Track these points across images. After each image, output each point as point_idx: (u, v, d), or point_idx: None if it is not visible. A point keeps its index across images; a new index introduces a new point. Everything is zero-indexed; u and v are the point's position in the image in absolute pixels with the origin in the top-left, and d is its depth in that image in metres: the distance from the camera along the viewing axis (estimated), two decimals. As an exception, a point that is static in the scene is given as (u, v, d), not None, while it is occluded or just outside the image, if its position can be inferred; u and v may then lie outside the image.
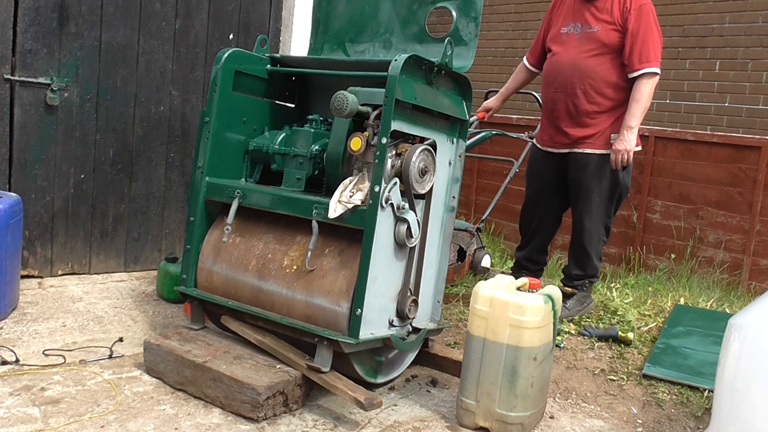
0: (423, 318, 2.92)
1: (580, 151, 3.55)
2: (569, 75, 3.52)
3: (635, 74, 3.40)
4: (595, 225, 3.59)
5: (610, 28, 3.44)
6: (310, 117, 3.10)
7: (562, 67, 3.56)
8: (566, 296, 3.61)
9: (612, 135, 3.49)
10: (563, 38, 3.60)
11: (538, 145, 3.80)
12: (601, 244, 3.67)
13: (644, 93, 3.40)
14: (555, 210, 3.83)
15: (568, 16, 3.61)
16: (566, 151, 3.61)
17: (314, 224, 2.68)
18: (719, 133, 5.61)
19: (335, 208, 2.59)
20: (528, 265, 3.91)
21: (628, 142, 3.42)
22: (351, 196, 2.61)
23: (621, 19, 3.42)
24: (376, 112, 2.70)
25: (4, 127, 3.62)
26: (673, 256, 5.43)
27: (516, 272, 3.92)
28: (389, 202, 2.57)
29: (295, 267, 2.77)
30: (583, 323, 3.61)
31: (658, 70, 3.41)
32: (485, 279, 3.87)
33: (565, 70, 3.54)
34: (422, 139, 2.83)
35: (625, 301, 3.94)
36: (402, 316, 2.75)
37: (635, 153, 3.51)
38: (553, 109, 3.62)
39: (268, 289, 2.82)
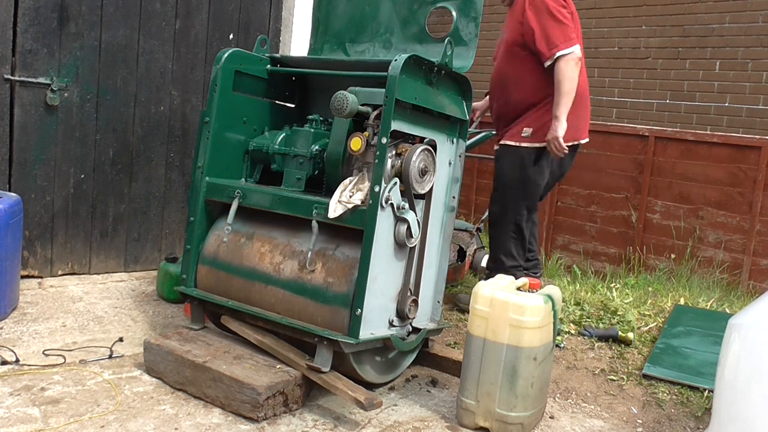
0: (423, 318, 2.92)
1: (501, 143, 3.64)
2: (495, 83, 3.66)
3: (549, 62, 3.38)
4: (497, 215, 3.64)
5: (514, 27, 3.47)
6: (310, 117, 3.10)
7: (492, 77, 3.71)
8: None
9: (525, 129, 3.50)
10: (497, 50, 3.73)
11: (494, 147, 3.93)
12: (498, 238, 3.66)
13: (561, 79, 3.34)
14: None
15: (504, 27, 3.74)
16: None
17: (314, 224, 2.68)
18: (719, 133, 5.61)
19: (335, 208, 2.59)
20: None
21: (554, 131, 3.39)
22: (351, 196, 2.61)
23: (521, 17, 3.43)
24: (376, 112, 2.70)
25: (4, 127, 3.62)
26: (673, 256, 5.43)
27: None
28: (389, 202, 2.57)
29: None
30: (583, 323, 3.61)
31: (569, 50, 3.34)
32: (485, 279, 3.87)
33: (493, 80, 3.69)
34: (422, 139, 2.83)
35: (625, 301, 3.94)
36: (402, 316, 2.75)
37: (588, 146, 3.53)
38: (493, 115, 3.78)
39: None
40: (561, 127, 3.37)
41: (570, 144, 3.49)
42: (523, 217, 3.59)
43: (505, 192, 3.59)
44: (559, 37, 3.34)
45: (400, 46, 3.24)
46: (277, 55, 3.29)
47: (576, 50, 3.36)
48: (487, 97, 4.13)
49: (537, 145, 3.47)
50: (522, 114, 3.54)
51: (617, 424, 2.79)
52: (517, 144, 3.52)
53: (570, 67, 3.33)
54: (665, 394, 2.98)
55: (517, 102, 3.54)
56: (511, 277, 2.70)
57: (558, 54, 3.33)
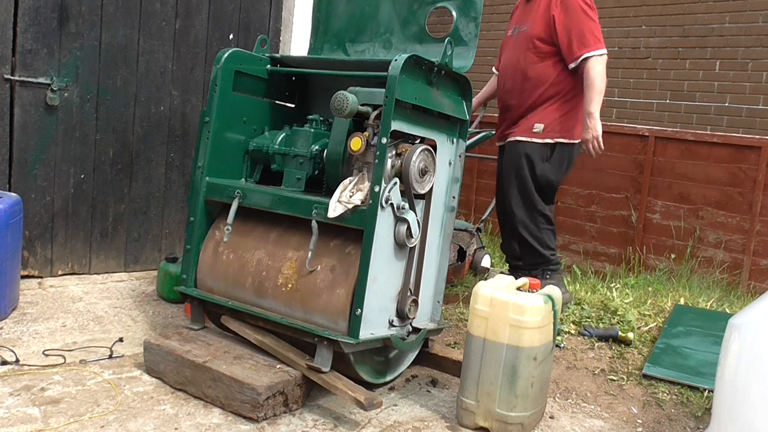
0: (423, 318, 2.92)
1: (510, 140, 3.64)
2: (508, 76, 3.67)
3: (577, 62, 3.42)
4: (523, 211, 3.65)
5: (538, 23, 3.51)
6: (310, 117, 3.10)
7: (504, 69, 3.73)
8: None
9: (536, 125, 3.52)
10: (508, 42, 3.76)
11: (496, 142, 3.94)
12: (533, 233, 3.66)
13: (593, 77, 3.40)
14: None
15: (514, 20, 3.76)
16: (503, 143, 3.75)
17: (314, 224, 2.68)
18: (719, 133, 5.61)
19: (335, 208, 2.59)
20: (510, 261, 3.91)
21: (593, 129, 3.44)
22: (351, 196, 2.61)
23: (548, 14, 3.46)
24: (376, 112, 2.70)
25: (4, 127, 3.62)
26: (673, 256, 5.43)
27: (513, 272, 3.92)
28: (389, 202, 2.57)
29: (295, 267, 2.76)
30: (583, 323, 3.61)
31: (601, 51, 3.42)
32: (485, 279, 3.87)
33: (505, 72, 3.70)
34: (422, 139, 2.83)
35: (625, 301, 3.94)
36: (402, 316, 2.75)
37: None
38: (502, 108, 3.79)
39: (268, 289, 2.82)
40: (599, 125, 3.43)
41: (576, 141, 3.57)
42: (538, 209, 3.63)
43: (517, 189, 3.59)
44: (590, 38, 3.40)
45: (400, 46, 3.24)
46: (277, 55, 3.29)
47: (605, 52, 3.42)
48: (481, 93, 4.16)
49: (548, 141, 3.51)
50: (534, 109, 3.56)
51: (617, 424, 2.79)
52: (528, 140, 3.53)
53: (602, 65, 3.40)
54: (665, 394, 2.98)
55: (532, 95, 3.55)
56: (511, 278, 2.69)
57: (586, 55, 3.39)
